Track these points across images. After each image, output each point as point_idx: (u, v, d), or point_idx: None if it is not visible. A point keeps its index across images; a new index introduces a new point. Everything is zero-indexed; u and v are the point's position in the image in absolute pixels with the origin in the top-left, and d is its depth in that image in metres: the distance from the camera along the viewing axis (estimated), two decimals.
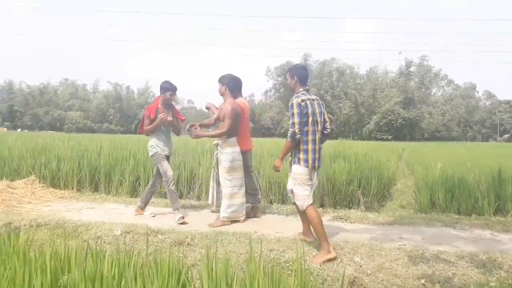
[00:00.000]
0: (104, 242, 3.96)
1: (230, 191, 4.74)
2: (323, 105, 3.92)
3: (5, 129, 58.63)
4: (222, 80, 4.92)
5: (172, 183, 4.92)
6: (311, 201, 3.75)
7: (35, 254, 2.49)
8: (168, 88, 5.08)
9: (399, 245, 3.80)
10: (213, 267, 2.42)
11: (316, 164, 3.72)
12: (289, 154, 3.84)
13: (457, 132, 70.39)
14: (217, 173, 4.97)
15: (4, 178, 7.25)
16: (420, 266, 3.23)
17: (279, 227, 4.44)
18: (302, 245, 3.67)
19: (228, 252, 3.46)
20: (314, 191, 3.96)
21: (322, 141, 3.83)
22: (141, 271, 2.27)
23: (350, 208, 6.36)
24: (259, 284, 2.18)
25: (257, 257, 2.70)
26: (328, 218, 5.02)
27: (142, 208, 5.24)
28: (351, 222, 4.83)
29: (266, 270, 2.31)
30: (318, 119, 3.75)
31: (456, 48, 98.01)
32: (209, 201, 5.23)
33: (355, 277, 3.13)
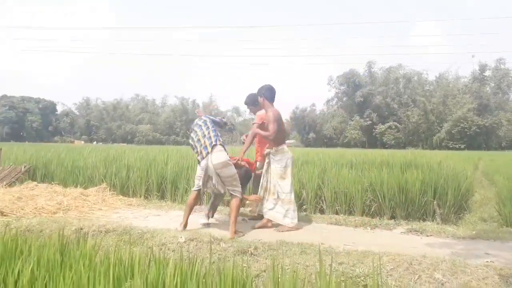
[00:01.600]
0: (168, 249, 3.94)
1: (289, 197, 4.78)
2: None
3: (82, 142, 63.26)
4: (259, 92, 5.09)
5: None
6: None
7: (101, 259, 2.49)
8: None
9: (486, 261, 3.37)
10: (279, 279, 2.25)
11: None
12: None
13: None
14: (268, 181, 4.94)
15: (79, 186, 7.67)
16: None
17: (347, 240, 4.16)
18: (374, 260, 3.38)
19: (294, 263, 3.27)
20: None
21: None
22: (203, 280, 2.15)
23: (424, 220, 5.88)
24: None
25: (326, 270, 2.49)
26: (401, 231, 4.64)
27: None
28: (427, 235, 4.41)
29: (336, 284, 2.09)
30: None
31: None
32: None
33: None
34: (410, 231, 4.60)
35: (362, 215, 5.95)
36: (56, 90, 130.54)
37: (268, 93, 5.07)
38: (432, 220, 5.83)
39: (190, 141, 4.68)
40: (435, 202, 5.88)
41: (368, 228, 4.78)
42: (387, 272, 3.14)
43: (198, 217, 5.24)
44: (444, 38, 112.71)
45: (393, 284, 2.92)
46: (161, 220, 5.27)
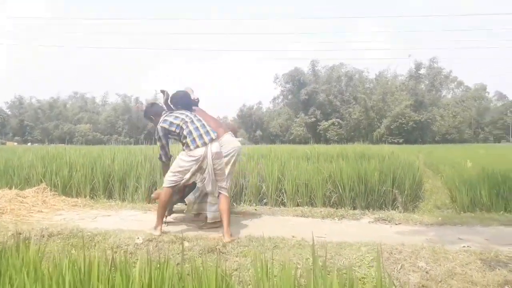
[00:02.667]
0: (124, 251, 3.50)
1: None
2: None
3: (15, 143, 58.88)
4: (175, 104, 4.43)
5: None
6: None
7: (49, 267, 2.06)
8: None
9: (463, 246, 3.30)
10: (266, 276, 1.97)
11: None
12: None
13: (468, 134, 69.12)
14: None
15: (14, 187, 6.87)
16: (499, 271, 2.73)
17: (318, 231, 3.95)
18: (352, 251, 3.20)
19: (270, 260, 2.99)
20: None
21: None
22: (182, 285, 1.81)
23: (382, 209, 5.87)
24: None
25: (311, 265, 2.24)
26: (369, 220, 4.54)
27: None
28: (396, 224, 4.34)
29: (340, 283, 1.84)
30: None
31: (466, 46, 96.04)
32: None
33: (422, 286, 2.64)
34: (378, 220, 4.51)
35: (323, 207, 5.83)
36: None
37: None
38: (393, 209, 5.84)
39: (176, 129, 3.99)
40: (396, 191, 5.89)
41: (335, 219, 4.62)
42: (368, 263, 2.96)
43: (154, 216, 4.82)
44: (384, 36, 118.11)
45: (372, 275, 2.74)
46: (111, 220, 4.78)
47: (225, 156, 4.26)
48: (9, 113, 76.52)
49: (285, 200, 6.15)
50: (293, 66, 63.93)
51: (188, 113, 4.19)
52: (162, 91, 4.55)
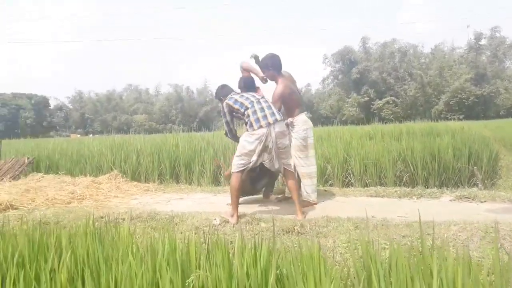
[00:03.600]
0: (204, 233, 3.55)
1: (311, 170, 4.37)
2: None
3: (78, 135, 62.47)
4: (265, 65, 4.31)
5: None
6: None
7: (147, 249, 2.08)
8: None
9: None
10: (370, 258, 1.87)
11: None
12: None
13: None
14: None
15: (88, 174, 7.25)
16: None
17: (397, 211, 3.78)
18: (442, 230, 3.01)
19: (353, 240, 2.89)
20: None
21: None
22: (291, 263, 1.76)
23: (457, 187, 5.53)
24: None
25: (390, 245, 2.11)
26: (450, 198, 4.27)
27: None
28: (481, 202, 4.05)
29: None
30: None
31: None
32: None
33: None
34: (460, 198, 4.23)
35: (394, 186, 5.60)
36: (46, 84, 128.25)
37: (273, 61, 4.31)
38: (470, 187, 5.48)
39: (240, 107, 3.99)
40: (475, 167, 5.52)
41: (413, 198, 4.40)
42: (462, 243, 2.77)
43: (224, 198, 4.87)
44: (437, 9, 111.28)
45: (475, 255, 2.55)
46: (185, 203, 4.88)
47: (308, 137, 4.33)
48: (71, 107, 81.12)
49: (353, 181, 5.98)
50: (342, 45, 61.80)
51: (256, 94, 4.15)
52: (255, 57, 4.47)
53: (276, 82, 4.30)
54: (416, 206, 4.07)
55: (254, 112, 3.89)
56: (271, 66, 4.26)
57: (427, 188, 5.45)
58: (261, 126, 3.79)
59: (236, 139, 4.32)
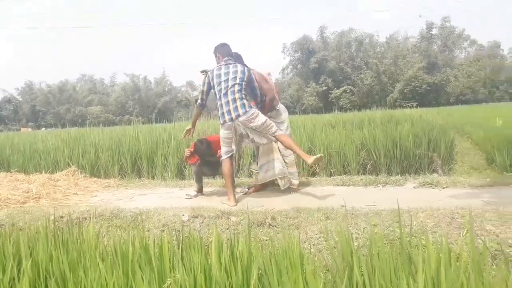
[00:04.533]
0: (172, 229, 3.43)
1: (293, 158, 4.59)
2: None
3: (29, 129, 59.45)
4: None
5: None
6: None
7: (116, 251, 1.96)
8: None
9: None
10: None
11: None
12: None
13: (483, 93, 67.54)
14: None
15: (43, 171, 6.88)
16: None
17: (365, 200, 3.83)
18: (409, 218, 3.07)
19: (327, 230, 2.89)
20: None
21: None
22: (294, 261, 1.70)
23: (417, 174, 5.71)
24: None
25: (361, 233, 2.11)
26: (413, 185, 4.39)
27: None
28: (443, 187, 4.18)
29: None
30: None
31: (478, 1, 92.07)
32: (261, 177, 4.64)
33: (496, 250, 2.51)
34: (423, 184, 4.36)
35: (358, 175, 5.70)
36: None
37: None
38: (430, 173, 5.67)
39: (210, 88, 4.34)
40: (435, 154, 5.71)
41: (379, 186, 4.48)
42: (431, 229, 2.83)
43: (188, 192, 4.76)
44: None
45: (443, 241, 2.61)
46: (150, 199, 4.72)
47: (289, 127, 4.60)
48: (21, 99, 76.93)
49: (317, 170, 6.02)
50: (301, 34, 62.31)
51: (228, 81, 4.11)
52: (203, 71, 4.54)
53: None
54: (382, 194, 4.16)
55: (221, 105, 4.12)
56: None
57: (389, 175, 5.60)
58: (225, 121, 4.08)
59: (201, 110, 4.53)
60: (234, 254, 1.76)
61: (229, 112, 4.04)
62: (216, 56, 4.39)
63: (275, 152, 4.47)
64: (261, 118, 4.05)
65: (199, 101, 4.41)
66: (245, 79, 4.13)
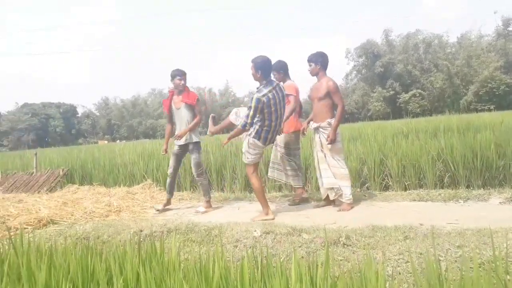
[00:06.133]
0: (244, 245, 3.48)
1: (347, 172, 4.43)
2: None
3: (106, 141, 63.81)
4: (314, 59, 4.52)
5: (168, 177, 5.17)
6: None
7: (197, 270, 2.02)
8: (176, 73, 5.05)
9: None
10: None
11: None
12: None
13: None
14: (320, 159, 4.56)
15: (121, 184, 7.32)
16: None
17: (446, 217, 3.61)
18: (498, 239, 2.83)
19: (407, 252, 2.75)
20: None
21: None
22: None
23: (501, 187, 5.27)
24: None
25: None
26: (500, 201, 4.06)
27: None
28: None
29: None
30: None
31: None
32: (322, 191, 4.61)
33: None
34: (511, 200, 4.01)
35: (435, 188, 5.39)
36: (73, 92, 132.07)
37: (323, 59, 4.56)
38: None
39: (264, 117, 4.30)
40: None
41: (460, 201, 4.21)
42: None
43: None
44: None
45: None
46: (222, 212, 4.83)
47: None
48: (98, 114, 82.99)
49: (391, 183, 5.79)
50: (365, 38, 60.81)
51: (277, 99, 4.20)
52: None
53: (320, 78, 4.54)
54: (464, 210, 3.89)
55: (268, 131, 4.23)
56: (321, 63, 4.51)
57: (470, 189, 5.22)
58: (264, 145, 4.31)
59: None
60: (314, 282, 1.73)
61: (272, 139, 4.35)
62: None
63: (322, 163, 4.49)
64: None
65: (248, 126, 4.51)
66: None
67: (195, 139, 5.04)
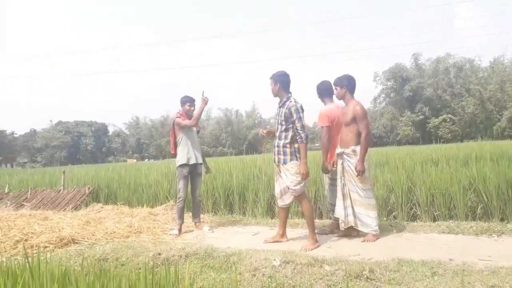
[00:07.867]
0: (263, 275, 3.36)
1: (374, 202, 4.28)
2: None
3: (134, 160, 65.01)
4: (340, 83, 4.43)
5: (181, 201, 5.31)
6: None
7: None
8: (186, 100, 5.44)
9: None
10: None
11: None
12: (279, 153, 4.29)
13: None
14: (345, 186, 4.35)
15: (145, 204, 7.34)
16: None
17: (478, 252, 3.39)
18: None
19: None
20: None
21: None
22: None
23: None
24: None
25: None
26: None
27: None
28: None
29: None
30: None
31: None
32: (342, 219, 4.37)
33: None
34: None
35: (466, 220, 5.12)
36: (105, 112, 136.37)
37: (351, 82, 4.45)
38: None
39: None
40: None
41: (494, 235, 3.96)
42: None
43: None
44: (492, 18, 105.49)
45: None
46: (241, 238, 4.73)
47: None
48: (128, 133, 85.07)
49: (419, 213, 5.55)
50: (393, 62, 60.35)
51: None
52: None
53: (347, 102, 4.44)
54: (498, 246, 3.66)
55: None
56: (346, 86, 4.41)
57: (505, 222, 4.94)
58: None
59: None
60: None
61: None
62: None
63: (339, 192, 4.39)
64: None
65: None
66: None
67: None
